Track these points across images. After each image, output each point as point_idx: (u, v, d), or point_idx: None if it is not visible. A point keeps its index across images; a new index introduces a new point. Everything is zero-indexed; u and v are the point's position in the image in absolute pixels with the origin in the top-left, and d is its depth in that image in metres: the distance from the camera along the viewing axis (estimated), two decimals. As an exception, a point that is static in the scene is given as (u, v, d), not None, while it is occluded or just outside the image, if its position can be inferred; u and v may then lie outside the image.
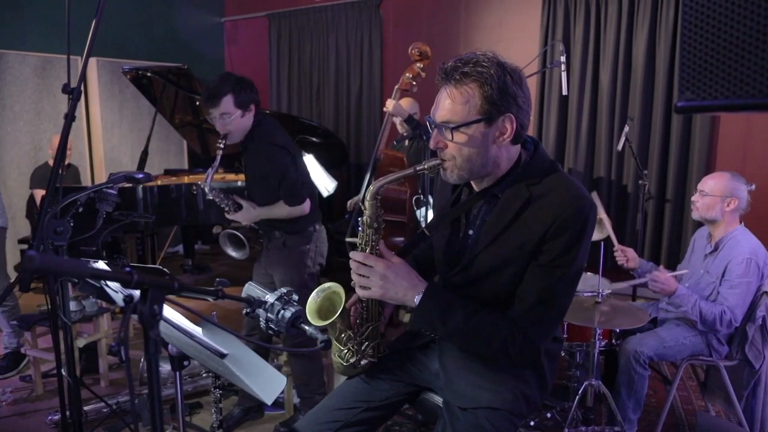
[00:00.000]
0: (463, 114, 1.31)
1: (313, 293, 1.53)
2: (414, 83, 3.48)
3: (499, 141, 1.34)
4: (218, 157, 2.49)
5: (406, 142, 4.00)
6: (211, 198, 2.57)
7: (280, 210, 2.54)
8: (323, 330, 1.38)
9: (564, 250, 1.32)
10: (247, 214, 2.58)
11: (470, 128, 1.32)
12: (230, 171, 4.71)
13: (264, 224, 2.65)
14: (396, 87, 3.52)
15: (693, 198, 2.63)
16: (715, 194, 2.53)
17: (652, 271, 2.84)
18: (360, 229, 1.45)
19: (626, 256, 2.82)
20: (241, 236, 2.66)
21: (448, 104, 1.33)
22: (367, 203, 1.43)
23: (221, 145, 2.47)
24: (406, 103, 3.86)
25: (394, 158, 3.75)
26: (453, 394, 1.49)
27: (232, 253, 2.75)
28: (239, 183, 4.29)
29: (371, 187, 1.41)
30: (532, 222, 1.33)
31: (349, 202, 4.05)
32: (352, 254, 1.42)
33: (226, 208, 2.60)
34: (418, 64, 3.43)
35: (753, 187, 2.56)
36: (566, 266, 1.33)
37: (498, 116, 1.31)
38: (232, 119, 2.42)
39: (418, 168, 1.41)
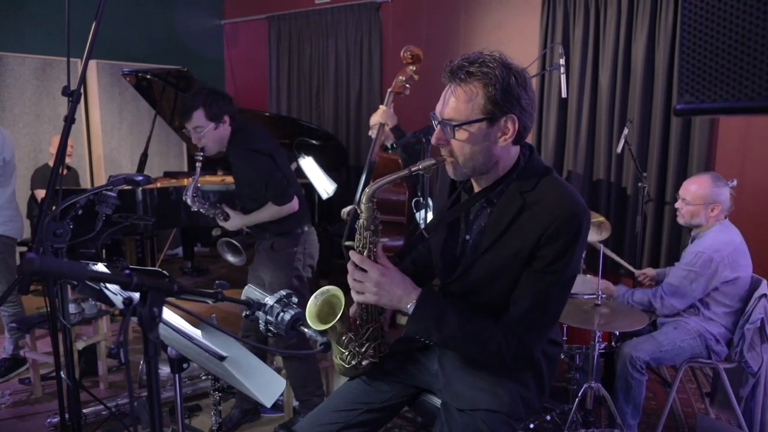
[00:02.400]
0: (466, 112, 1.33)
1: (312, 297, 1.53)
2: (407, 86, 3.52)
3: (500, 141, 1.35)
4: (198, 170, 2.55)
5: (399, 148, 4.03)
6: (195, 210, 2.62)
7: (269, 212, 2.57)
8: (323, 332, 1.38)
9: (558, 256, 1.32)
10: (233, 222, 2.64)
11: (472, 127, 1.33)
12: (229, 173, 4.70)
13: (254, 226, 2.68)
14: (389, 90, 3.55)
15: (677, 204, 2.65)
16: (697, 203, 2.55)
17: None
18: (357, 231, 1.45)
19: (647, 274, 2.93)
20: (237, 243, 2.73)
21: (452, 102, 1.34)
22: (363, 206, 1.43)
23: (199, 157, 2.52)
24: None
25: (390, 161, 3.77)
26: (451, 395, 1.50)
27: (230, 258, 2.83)
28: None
29: (367, 190, 1.41)
30: (527, 229, 1.34)
31: (342, 211, 4.05)
32: (351, 254, 1.43)
33: (214, 217, 2.65)
34: (410, 67, 3.47)
35: (735, 182, 2.58)
36: (560, 272, 1.34)
37: (500, 116, 1.33)
38: (204, 132, 2.45)
39: (413, 169, 1.42)
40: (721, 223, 2.59)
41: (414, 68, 3.46)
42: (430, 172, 1.42)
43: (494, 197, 1.41)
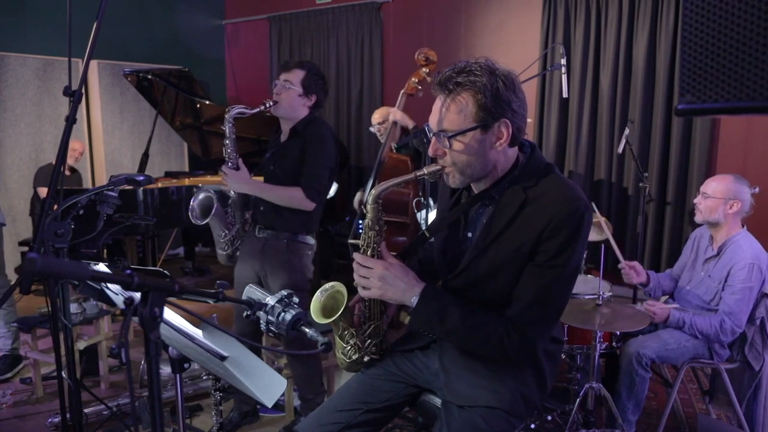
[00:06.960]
0: (458, 123, 1.34)
1: (317, 292, 1.57)
2: (419, 88, 3.51)
3: (496, 146, 1.37)
4: (256, 109, 2.49)
5: (414, 141, 3.99)
6: (224, 128, 2.50)
7: (288, 194, 2.49)
8: (324, 332, 1.39)
9: (559, 251, 1.34)
10: (240, 179, 2.49)
11: (466, 136, 1.35)
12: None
13: (270, 225, 2.60)
14: (402, 91, 3.55)
15: (695, 200, 2.62)
16: (717, 196, 2.52)
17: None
18: (362, 231, 1.48)
19: (634, 270, 2.75)
20: (216, 205, 2.61)
21: (444, 113, 1.36)
22: (369, 207, 1.46)
23: (267, 104, 2.49)
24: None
25: (399, 161, 3.77)
26: (451, 392, 1.50)
27: (194, 206, 2.70)
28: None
29: (373, 192, 1.44)
30: (529, 223, 1.36)
31: (355, 200, 4.06)
32: (354, 255, 1.46)
33: (226, 157, 2.52)
34: (423, 69, 3.46)
35: (757, 189, 2.55)
36: (562, 266, 1.35)
37: (493, 122, 1.34)
38: (290, 90, 2.50)
39: (418, 173, 1.44)
40: (745, 231, 2.54)
41: (427, 70, 3.46)
42: (435, 177, 1.44)
43: (495, 194, 1.43)
